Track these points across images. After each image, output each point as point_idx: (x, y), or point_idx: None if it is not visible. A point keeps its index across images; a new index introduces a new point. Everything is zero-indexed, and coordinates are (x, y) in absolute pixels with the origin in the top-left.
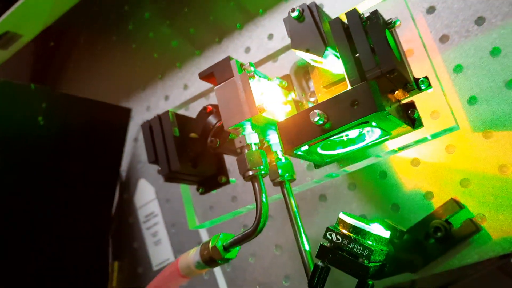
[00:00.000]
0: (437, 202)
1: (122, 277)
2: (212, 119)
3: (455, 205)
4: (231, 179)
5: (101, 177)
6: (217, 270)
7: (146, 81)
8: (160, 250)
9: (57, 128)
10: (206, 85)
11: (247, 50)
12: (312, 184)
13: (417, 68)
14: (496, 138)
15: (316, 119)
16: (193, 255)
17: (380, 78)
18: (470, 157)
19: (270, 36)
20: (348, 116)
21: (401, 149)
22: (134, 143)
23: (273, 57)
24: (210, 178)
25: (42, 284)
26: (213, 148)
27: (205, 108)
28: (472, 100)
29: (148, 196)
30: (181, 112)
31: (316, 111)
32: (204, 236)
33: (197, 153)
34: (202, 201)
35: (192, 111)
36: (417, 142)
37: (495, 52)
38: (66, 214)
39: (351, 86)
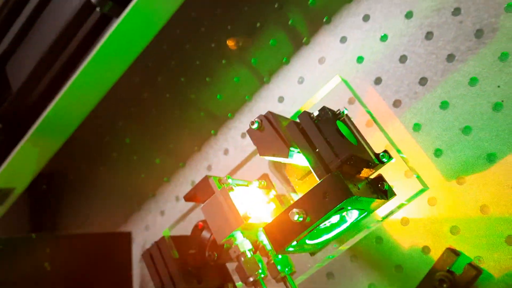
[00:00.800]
0: (435, 254)
1: None
2: (205, 234)
3: (452, 254)
4: (237, 283)
5: None
6: None
7: (139, 201)
8: None
9: (64, 268)
10: None
11: (226, 152)
12: (315, 269)
13: (379, 137)
14: (469, 182)
15: (295, 218)
16: None
17: (342, 167)
18: (452, 205)
19: (243, 135)
20: (323, 207)
21: (384, 218)
22: (141, 263)
23: (251, 155)
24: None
25: None
26: (213, 261)
27: (197, 226)
28: (437, 153)
29: None
30: (180, 224)
31: (294, 210)
32: None
33: (199, 268)
34: None
35: (190, 221)
36: (399, 207)
37: (443, 105)
38: None
39: (319, 179)
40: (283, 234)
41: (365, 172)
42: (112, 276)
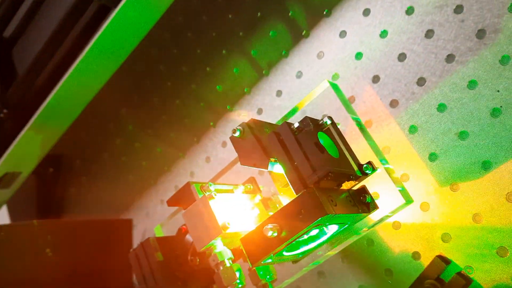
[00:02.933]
0: (425, 261)
1: None
2: (188, 238)
3: (441, 262)
4: None
5: None
6: None
7: (141, 189)
8: None
9: (65, 255)
10: None
11: (224, 144)
12: (302, 272)
13: (377, 136)
14: (463, 189)
15: (269, 234)
16: None
17: (319, 182)
18: (444, 211)
19: None
20: (299, 224)
21: (370, 227)
22: None
23: None
24: None
25: None
26: (195, 266)
27: (180, 230)
28: (432, 157)
29: None
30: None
31: (268, 226)
32: None
33: (184, 272)
34: None
35: None
36: (382, 220)
37: (441, 108)
38: None
39: (296, 193)
40: (259, 248)
41: (346, 185)
42: (113, 262)
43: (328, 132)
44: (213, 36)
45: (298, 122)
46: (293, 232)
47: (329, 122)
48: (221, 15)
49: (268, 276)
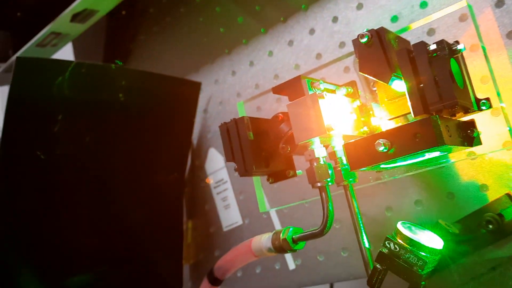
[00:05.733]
0: (491, 195)
1: (195, 235)
2: (284, 127)
3: (509, 200)
4: (297, 171)
5: (174, 145)
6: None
7: (213, 55)
8: (229, 213)
9: (135, 102)
10: (271, 65)
11: (312, 32)
12: (375, 183)
13: (480, 65)
14: None
15: (380, 149)
16: (265, 240)
17: (442, 111)
18: None
19: (335, 19)
20: (410, 146)
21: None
22: (204, 114)
23: (340, 44)
24: (280, 171)
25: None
26: (285, 153)
27: (277, 117)
28: None
29: (217, 164)
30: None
31: (380, 141)
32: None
33: (269, 153)
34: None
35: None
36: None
37: None
38: (144, 178)
39: (414, 116)
40: (363, 157)
41: (459, 115)
42: (176, 118)
43: (457, 60)
44: None
45: (436, 44)
46: (402, 152)
47: (463, 49)
48: None
49: (351, 179)
